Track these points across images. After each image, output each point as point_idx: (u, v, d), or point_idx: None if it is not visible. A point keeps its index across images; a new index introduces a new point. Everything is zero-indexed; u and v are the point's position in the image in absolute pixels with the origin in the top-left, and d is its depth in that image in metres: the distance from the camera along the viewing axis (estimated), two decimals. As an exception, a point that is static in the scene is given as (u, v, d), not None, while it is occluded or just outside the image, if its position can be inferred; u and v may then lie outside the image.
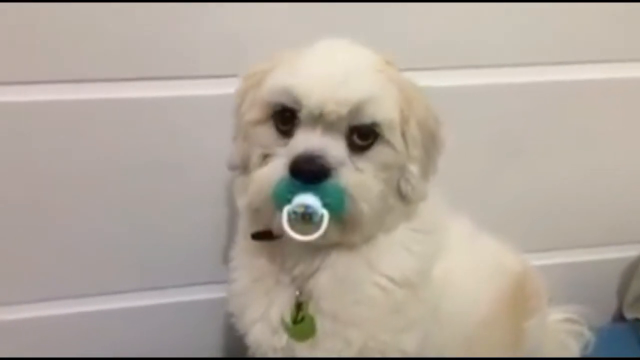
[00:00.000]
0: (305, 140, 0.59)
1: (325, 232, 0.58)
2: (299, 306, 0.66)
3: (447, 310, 0.69)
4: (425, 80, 0.68)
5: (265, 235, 0.66)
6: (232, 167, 0.68)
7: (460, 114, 0.89)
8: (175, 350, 0.97)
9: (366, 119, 0.59)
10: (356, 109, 0.59)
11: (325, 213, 0.57)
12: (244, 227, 0.70)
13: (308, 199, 0.57)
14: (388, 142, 0.61)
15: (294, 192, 0.57)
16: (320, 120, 0.59)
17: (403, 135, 0.63)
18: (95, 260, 0.90)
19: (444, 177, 0.69)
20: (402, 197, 0.65)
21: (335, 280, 0.65)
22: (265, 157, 0.62)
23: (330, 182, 0.57)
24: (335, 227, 0.59)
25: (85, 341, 0.94)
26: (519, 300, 0.77)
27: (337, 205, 0.58)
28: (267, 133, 0.62)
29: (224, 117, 0.79)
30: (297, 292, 0.66)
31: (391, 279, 0.66)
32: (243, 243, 0.72)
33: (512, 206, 1.00)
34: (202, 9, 0.79)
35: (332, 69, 0.60)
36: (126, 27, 0.79)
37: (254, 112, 0.63)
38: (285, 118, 0.61)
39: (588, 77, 0.94)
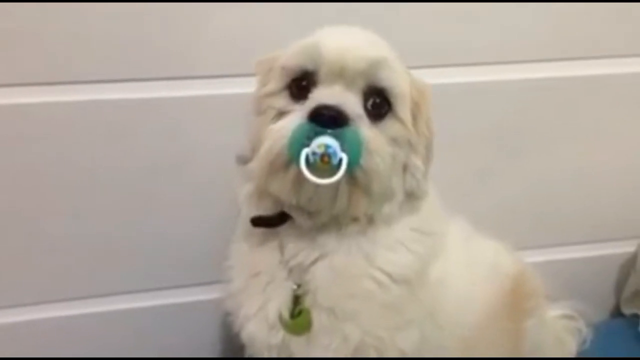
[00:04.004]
0: (324, 94, 0.60)
1: (338, 190, 0.59)
2: (296, 300, 0.66)
3: (444, 312, 0.69)
4: (422, 77, 0.68)
5: (266, 222, 0.66)
6: (241, 160, 0.68)
7: (456, 111, 0.89)
8: (175, 351, 0.97)
9: (382, 81, 0.61)
10: (374, 67, 0.61)
11: (344, 157, 0.56)
12: (243, 221, 0.70)
13: (328, 140, 0.56)
14: (398, 117, 0.63)
15: (312, 137, 0.57)
16: (339, 78, 0.60)
17: (414, 119, 0.64)
18: (95, 262, 0.90)
19: (441, 175, 0.70)
20: (407, 192, 0.66)
21: (332, 272, 0.65)
22: (281, 115, 0.62)
23: (349, 130, 0.58)
24: (346, 186, 0.59)
25: (85, 343, 0.94)
26: (516, 301, 0.77)
27: (355, 154, 0.57)
28: (283, 101, 0.63)
29: (225, 117, 0.79)
30: (295, 286, 0.66)
31: (388, 274, 0.65)
32: (240, 240, 0.71)
33: (509, 203, 1.00)
34: (202, 10, 0.79)
35: (351, 35, 0.63)
36: (125, 28, 0.78)
37: (269, 85, 0.64)
38: (300, 87, 0.62)
39: (585, 74, 0.94)
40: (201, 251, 0.91)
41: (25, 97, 0.79)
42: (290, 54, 0.63)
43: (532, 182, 1.00)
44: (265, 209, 0.67)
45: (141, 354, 0.95)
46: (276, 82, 0.64)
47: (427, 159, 0.67)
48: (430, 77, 0.69)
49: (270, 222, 0.66)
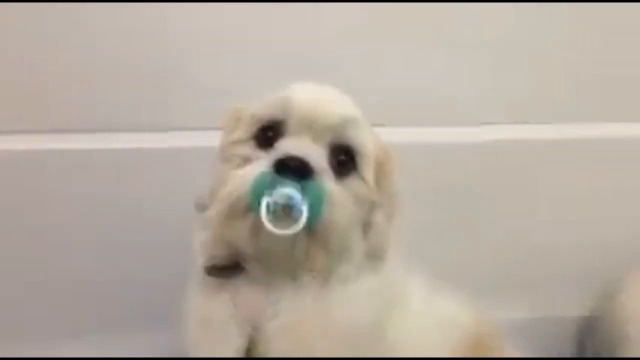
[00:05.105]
0: (291, 145, 0.60)
1: (295, 242, 0.58)
2: (250, 347, 0.63)
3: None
4: (396, 136, 0.70)
5: (219, 271, 0.65)
6: (199, 207, 0.67)
7: (417, 170, 0.89)
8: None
9: (349, 139, 0.62)
10: (343, 124, 0.62)
11: (305, 209, 0.56)
12: (197, 271, 0.67)
13: (291, 191, 0.56)
14: (362, 176, 0.63)
15: (274, 186, 0.56)
16: (307, 130, 0.61)
17: (378, 179, 0.64)
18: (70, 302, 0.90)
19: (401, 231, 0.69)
20: (368, 253, 0.65)
21: (284, 328, 0.63)
22: (246, 163, 0.61)
23: (313, 183, 0.57)
24: (304, 239, 0.58)
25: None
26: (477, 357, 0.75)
27: (317, 207, 0.57)
28: (249, 149, 0.63)
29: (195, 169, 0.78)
30: (246, 342, 0.64)
31: (342, 331, 0.64)
32: (194, 291, 0.69)
33: (472, 260, 1.00)
34: (196, 62, 0.82)
35: (323, 91, 0.64)
36: (124, 79, 0.81)
37: (236, 133, 0.64)
38: (268, 137, 0.62)
39: (552, 137, 0.97)
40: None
41: (27, 144, 0.81)
42: (262, 104, 0.64)
43: (495, 240, 1.01)
44: (220, 259, 0.65)
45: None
46: (244, 131, 0.64)
47: (391, 219, 0.67)
48: (397, 136, 0.71)
49: (224, 271, 0.65)
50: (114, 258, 0.88)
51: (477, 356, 0.75)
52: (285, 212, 0.56)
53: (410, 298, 0.71)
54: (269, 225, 0.56)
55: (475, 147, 0.95)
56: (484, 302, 0.82)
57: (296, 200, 0.56)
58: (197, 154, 0.81)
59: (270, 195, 0.56)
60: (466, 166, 0.95)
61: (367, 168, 0.63)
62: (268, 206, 0.56)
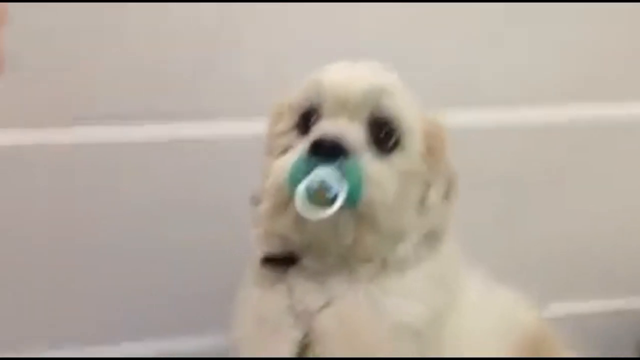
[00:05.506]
0: (326, 126, 0.59)
1: (339, 223, 0.57)
2: (303, 348, 0.63)
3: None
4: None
5: (275, 262, 0.65)
6: (254, 201, 0.67)
7: (472, 153, 0.87)
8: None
9: (384, 110, 0.60)
10: (374, 95, 0.60)
11: (341, 189, 0.55)
12: (253, 264, 0.68)
13: (324, 173, 0.55)
14: (408, 151, 0.61)
15: (311, 170, 0.55)
16: (342, 109, 0.60)
17: (430, 155, 0.63)
18: (99, 307, 0.91)
19: (459, 222, 0.67)
20: (426, 232, 0.64)
21: (339, 321, 0.62)
22: (286, 151, 0.62)
23: (349, 162, 0.56)
24: (349, 219, 0.57)
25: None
26: (534, 356, 0.73)
27: (355, 186, 0.55)
28: (292, 138, 0.63)
29: (242, 160, 0.79)
30: (301, 336, 0.64)
31: (397, 325, 0.63)
32: (249, 285, 0.69)
33: (529, 252, 0.98)
34: (218, 53, 0.80)
35: (354, 67, 0.63)
36: (145, 70, 0.80)
37: (280, 125, 0.64)
38: (308, 123, 0.61)
39: (604, 114, 0.93)
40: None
41: (35, 138, 0.81)
42: (297, 91, 0.63)
43: (553, 232, 0.98)
44: (275, 251, 0.65)
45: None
46: (286, 121, 0.64)
47: (449, 197, 0.65)
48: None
49: (280, 262, 0.65)
50: (121, 257, 0.89)
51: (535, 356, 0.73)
52: (321, 194, 0.55)
53: (468, 292, 0.69)
54: (302, 211, 0.55)
55: (527, 130, 0.92)
56: (541, 294, 0.80)
57: (330, 181, 0.55)
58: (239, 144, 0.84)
59: (305, 179, 0.55)
60: (517, 151, 0.93)
61: (412, 142, 0.61)
62: (304, 191, 0.55)
